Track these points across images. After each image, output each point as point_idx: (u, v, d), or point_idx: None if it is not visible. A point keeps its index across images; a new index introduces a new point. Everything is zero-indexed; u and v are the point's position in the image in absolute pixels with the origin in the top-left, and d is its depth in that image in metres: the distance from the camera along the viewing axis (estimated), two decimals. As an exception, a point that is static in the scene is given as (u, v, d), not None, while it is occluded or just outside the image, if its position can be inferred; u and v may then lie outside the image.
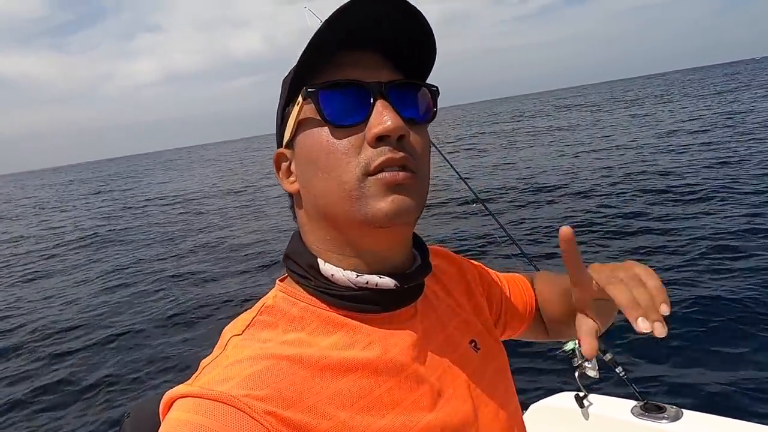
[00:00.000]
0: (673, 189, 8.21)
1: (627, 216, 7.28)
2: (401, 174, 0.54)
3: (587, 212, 7.86)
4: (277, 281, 0.64)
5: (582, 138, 17.73)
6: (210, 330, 5.42)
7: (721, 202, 7.07)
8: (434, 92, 0.61)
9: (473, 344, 0.69)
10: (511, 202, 9.52)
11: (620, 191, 8.81)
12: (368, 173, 0.53)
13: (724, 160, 9.89)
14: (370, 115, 0.54)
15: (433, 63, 0.60)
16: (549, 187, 10.17)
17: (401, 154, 0.54)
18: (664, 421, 1.62)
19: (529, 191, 10.09)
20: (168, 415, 0.49)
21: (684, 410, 1.65)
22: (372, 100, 0.54)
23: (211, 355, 0.55)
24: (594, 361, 1.73)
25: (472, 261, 0.85)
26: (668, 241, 5.93)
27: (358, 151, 0.54)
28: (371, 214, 0.53)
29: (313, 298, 0.59)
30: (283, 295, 0.60)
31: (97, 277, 8.70)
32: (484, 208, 2.04)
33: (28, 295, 8.26)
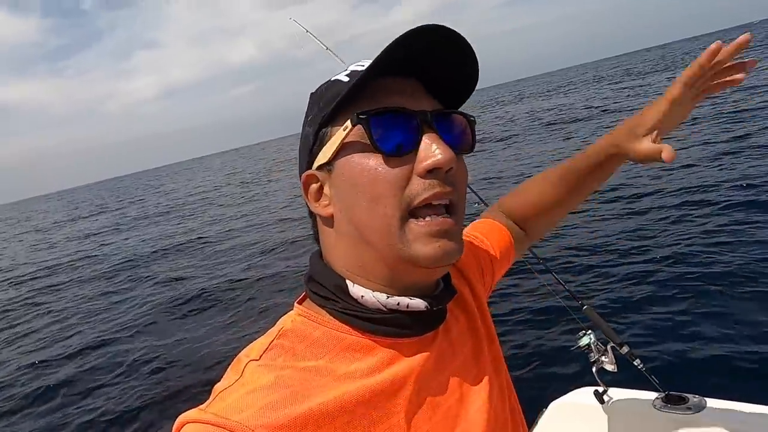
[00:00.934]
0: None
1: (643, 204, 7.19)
2: (449, 222, 0.54)
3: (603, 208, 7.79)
4: (296, 304, 0.62)
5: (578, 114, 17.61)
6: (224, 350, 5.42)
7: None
8: (472, 122, 0.61)
9: (490, 360, 0.68)
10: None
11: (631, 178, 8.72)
12: (413, 209, 0.54)
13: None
14: (419, 145, 0.54)
15: (471, 93, 0.61)
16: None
17: (449, 188, 0.54)
18: (687, 411, 1.59)
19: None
20: None
21: (707, 399, 1.62)
22: (420, 130, 0.54)
23: (224, 379, 0.54)
24: (611, 354, 1.70)
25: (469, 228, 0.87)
26: (696, 219, 5.84)
27: (406, 182, 0.53)
28: (416, 256, 0.54)
29: (337, 322, 0.58)
30: (302, 318, 0.59)
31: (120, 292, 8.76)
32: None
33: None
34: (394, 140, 0.53)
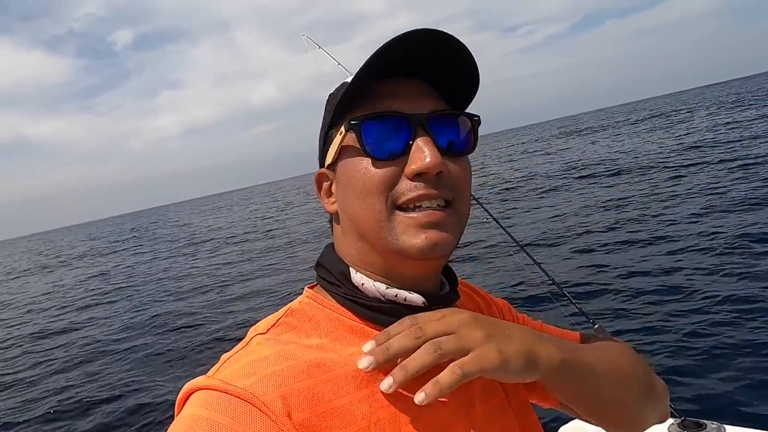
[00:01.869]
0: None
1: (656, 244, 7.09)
2: (438, 213, 0.55)
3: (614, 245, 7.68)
4: (306, 288, 0.65)
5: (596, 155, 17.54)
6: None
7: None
8: (475, 122, 0.61)
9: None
10: (545, 241, 8.51)
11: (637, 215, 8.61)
12: (399, 206, 0.55)
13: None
14: (411, 148, 0.56)
15: (475, 90, 0.61)
16: (584, 225, 9.01)
17: (437, 191, 0.55)
18: (705, 438, 1.53)
19: (564, 230, 8.92)
20: (184, 410, 0.49)
21: (725, 426, 1.55)
22: (413, 133, 0.56)
23: (232, 350, 0.56)
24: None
25: (504, 301, 0.82)
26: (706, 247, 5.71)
27: (395, 182, 0.56)
28: (404, 248, 0.55)
29: (341, 307, 0.60)
30: (309, 300, 0.62)
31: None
32: (527, 256, 1.97)
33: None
34: (384, 144, 0.56)
